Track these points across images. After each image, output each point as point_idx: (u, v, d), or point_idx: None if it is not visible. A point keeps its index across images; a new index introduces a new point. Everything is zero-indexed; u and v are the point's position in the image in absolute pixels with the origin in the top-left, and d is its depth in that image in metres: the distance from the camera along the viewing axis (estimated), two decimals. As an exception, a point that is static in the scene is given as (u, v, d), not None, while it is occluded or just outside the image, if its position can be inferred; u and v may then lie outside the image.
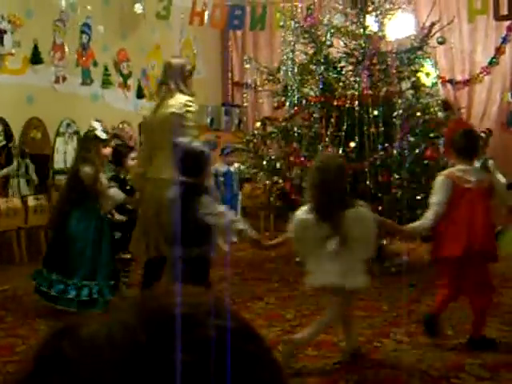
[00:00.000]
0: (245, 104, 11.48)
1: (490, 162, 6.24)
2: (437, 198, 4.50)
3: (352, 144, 6.76)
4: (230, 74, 12.22)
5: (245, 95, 11.58)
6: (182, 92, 5.39)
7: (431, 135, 7.24)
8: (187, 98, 5.38)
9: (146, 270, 5.32)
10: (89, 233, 5.60)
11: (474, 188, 4.48)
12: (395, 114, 6.94)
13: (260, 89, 9.57)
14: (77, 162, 5.76)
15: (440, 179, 4.58)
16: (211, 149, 6.22)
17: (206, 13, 9.39)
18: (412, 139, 7.00)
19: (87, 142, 5.81)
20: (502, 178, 5.36)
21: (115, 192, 5.98)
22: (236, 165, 8.69)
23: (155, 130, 5.29)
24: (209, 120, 10.73)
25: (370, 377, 4.01)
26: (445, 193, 4.47)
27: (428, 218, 4.51)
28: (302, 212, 4.19)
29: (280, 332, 4.97)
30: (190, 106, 5.32)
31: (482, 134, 7.97)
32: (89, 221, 5.65)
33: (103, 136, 5.80)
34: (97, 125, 5.95)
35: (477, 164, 5.36)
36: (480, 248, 4.37)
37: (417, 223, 4.63)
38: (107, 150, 6.02)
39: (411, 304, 5.52)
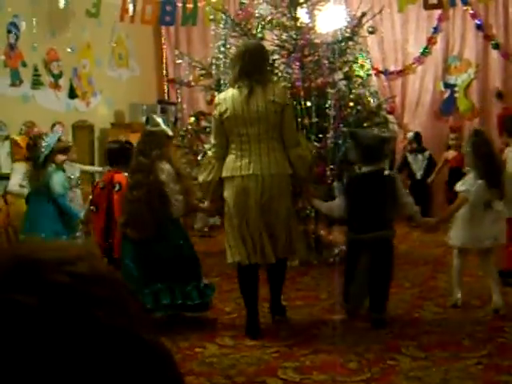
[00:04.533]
0: (179, 100, 11.36)
1: None
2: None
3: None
4: (164, 71, 12.09)
5: (180, 92, 11.47)
6: (269, 79, 4.83)
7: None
8: (280, 84, 5.06)
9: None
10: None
11: None
12: (328, 104, 6.96)
13: (193, 84, 9.50)
14: (152, 161, 4.89)
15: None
16: None
17: (131, 7, 9.21)
18: (346, 129, 7.03)
19: (159, 138, 5.03)
20: None
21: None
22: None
23: (253, 122, 4.48)
24: (144, 119, 10.57)
25: (307, 363, 4.03)
26: None
27: None
28: (473, 180, 4.87)
29: (220, 325, 4.98)
30: (286, 93, 4.92)
31: None
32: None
33: (170, 133, 5.29)
34: (160, 120, 5.52)
35: None
36: None
37: None
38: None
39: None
